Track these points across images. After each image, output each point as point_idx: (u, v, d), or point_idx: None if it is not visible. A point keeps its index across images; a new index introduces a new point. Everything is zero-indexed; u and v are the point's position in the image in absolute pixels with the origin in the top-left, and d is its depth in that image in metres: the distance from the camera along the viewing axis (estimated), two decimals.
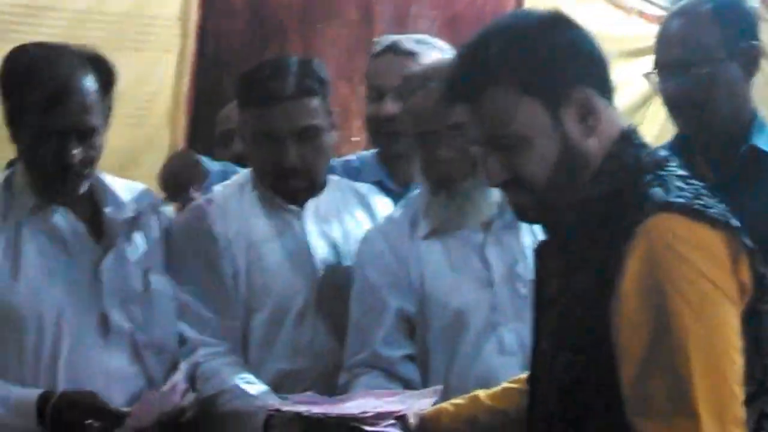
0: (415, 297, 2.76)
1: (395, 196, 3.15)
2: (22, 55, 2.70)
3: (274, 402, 2.48)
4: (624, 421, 1.84)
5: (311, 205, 2.95)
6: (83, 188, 2.72)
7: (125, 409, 2.57)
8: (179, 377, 2.67)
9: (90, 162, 2.67)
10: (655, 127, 4.24)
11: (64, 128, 2.61)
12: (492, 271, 2.74)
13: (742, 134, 2.84)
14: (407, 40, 3.31)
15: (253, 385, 2.73)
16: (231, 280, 2.86)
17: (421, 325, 2.76)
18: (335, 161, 3.27)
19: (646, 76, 2.90)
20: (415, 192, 2.91)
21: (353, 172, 3.30)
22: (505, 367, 2.56)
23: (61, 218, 2.70)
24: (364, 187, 3.13)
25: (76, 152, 2.62)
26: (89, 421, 2.53)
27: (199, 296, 2.84)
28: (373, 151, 3.40)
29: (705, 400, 1.78)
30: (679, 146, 2.87)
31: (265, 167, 2.90)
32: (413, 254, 2.79)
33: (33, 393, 2.58)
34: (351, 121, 3.94)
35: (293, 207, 2.93)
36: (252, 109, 2.88)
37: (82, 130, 2.63)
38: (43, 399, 2.56)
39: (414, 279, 2.77)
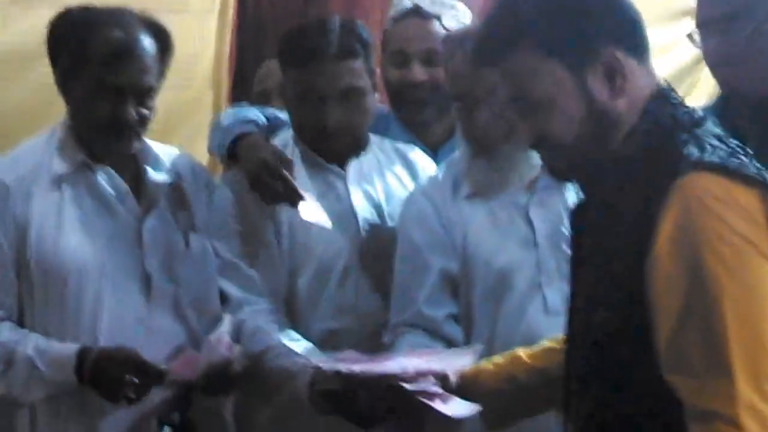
0: (458, 257, 2.78)
1: None
2: (84, 13, 2.74)
3: (317, 360, 2.51)
4: (658, 378, 1.85)
5: (354, 165, 2.97)
6: (132, 149, 2.76)
7: (164, 367, 2.61)
8: (224, 329, 2.70)
9: (144, 122, 2.71)
10: (708, 88, 4.18)
11: (124, 85, 2.66)
12: (536, 232, 2.75)
13: None
14: (428, 3, 3.28)
15: (298, 343, 2.76)
16: (274, 239, 2.89)
17: (465, 286, 2.78)
18: None
19: (689, 35, 2.88)
20: (457, 153, 2.92)
21: (383, 121, 3.27)
22: (549, 326, 2.56)
23: (105, 178, 2.74)
24: (405, 146, 3.14)
25: (132, 111, 2.66)
26: (129, 377, 2.57)
27: (243, 255, 2.87)
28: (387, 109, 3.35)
29: (740, 358, 1.78)
30: (722, 105, 2.86)
31: (307, 127, 2.92)
32: (457, 215, 2.81)
33: (72, 347, 2.62)
34: None
35: (335, 167, 2.95)
36: (294, 68, 2.89)
37: (139, 89, 2.68)
38: (82, 354, 2.60)
39: (457, 239, 2.79)
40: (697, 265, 1.81)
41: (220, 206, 2.91)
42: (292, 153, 2.96)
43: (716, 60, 2.84)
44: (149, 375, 2.59)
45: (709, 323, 1.80)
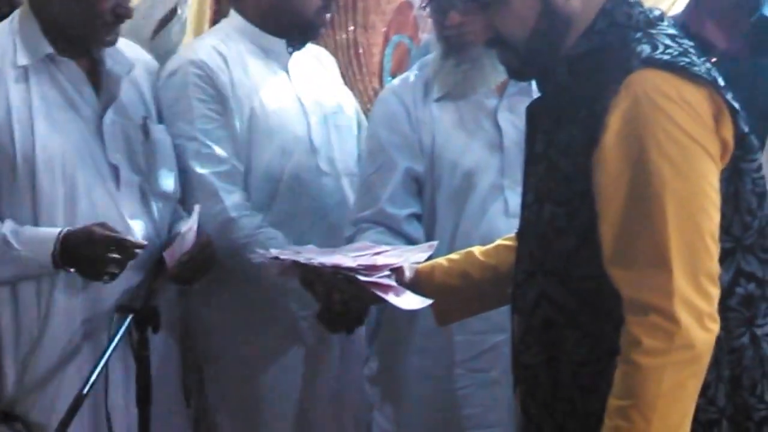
0: (425, 158, 2.81)
1: None
2: None
3: (276, 251, 2.53)
4: (600, 273, 1.88)
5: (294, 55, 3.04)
6: (108, 45, 2.73)
7: (141, 240, 2.65)
8: (194, 220, 2.71)
9: (121, 18, 2.69)
10: None
11: None
12: (503, 136, 2.78)
13: (754, 3, 2.81)
14: None
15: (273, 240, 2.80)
16: (239, 122, 2.90)
17: (430, 186, 2.82)
18: None
19: None
20: (430, 55, 2.93)
21: None
22: (509, 228, 2.55)
23: (66, 71, 2.71)
24: (314, 48, 3.19)
25: (109, 4, 2.64)
26: (112, 255, 2.56)
27: (212, 137, 2.87)
28: None
29: (678, 252, 1.81)
30: (692, 12, 2.87)
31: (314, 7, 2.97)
32: (426, 116, 2.84)
33: (53, 230, 2.61)
34: None
35: (285, 58, 3.01)
36: None
37: None
38: (64, 237, 2.59)
39: (425, 140, 2.82)
40: (642, 160, 1.83)
41: (184, 90, 2.89)
42: (237, 44, 2.98)
43: None
44: (128, 249, 2.58)
45: (651, 217, 1.83)
